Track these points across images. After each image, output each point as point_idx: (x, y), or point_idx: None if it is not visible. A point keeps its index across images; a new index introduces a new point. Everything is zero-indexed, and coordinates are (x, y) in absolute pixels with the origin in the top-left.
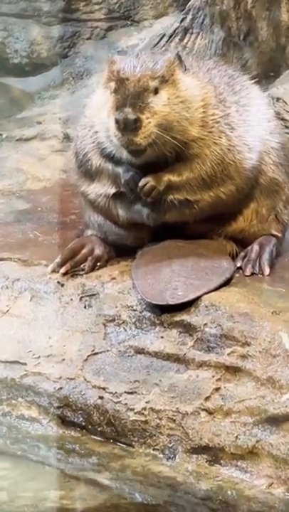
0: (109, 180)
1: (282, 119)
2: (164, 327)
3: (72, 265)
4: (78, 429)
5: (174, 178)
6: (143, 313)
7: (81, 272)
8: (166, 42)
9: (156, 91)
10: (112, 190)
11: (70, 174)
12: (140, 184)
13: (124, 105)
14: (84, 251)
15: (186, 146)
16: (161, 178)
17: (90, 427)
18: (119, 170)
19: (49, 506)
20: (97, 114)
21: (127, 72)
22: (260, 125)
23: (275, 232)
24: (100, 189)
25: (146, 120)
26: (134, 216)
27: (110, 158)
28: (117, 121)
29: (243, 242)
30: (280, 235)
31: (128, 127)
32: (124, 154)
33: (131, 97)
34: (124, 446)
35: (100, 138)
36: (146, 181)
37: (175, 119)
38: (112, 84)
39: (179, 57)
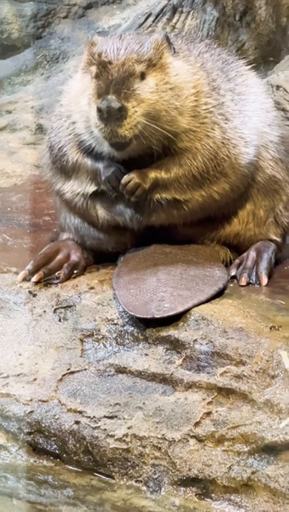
0: (87, 177)
1: (283, 110)
2: (149, 343)
3: (46, 273)
4: (51, 457)
5: (161, 174)
6: (125, 328)
7: (56, 281)
8: (153, 22)
9: (142, 76)
10: (91, 189)
11: (43, 170)
12: (123, 181)
13: (107, 92)
14: (59, 257)
15: (176, 138)
16: (146, 174)
17: (64, 455)
18: (99, 165)
19: None
20: (75, 102)
21: (109, 55)
22: (257, 116)
23: (273, 237)
24: (77, 187)
25: (132, 109)
26: (116, 218)
27: (89, 152)
28: (99, 110)
29: (238, 247)
30: (279, 239)
31: (112, 117)
32: (106, 148)
33: (114, 82)
34: (103, 477)
35: (77, 129)
36: (130, 178)
37: (163, 108)
38: (93, 69)
39: (167, 38)
